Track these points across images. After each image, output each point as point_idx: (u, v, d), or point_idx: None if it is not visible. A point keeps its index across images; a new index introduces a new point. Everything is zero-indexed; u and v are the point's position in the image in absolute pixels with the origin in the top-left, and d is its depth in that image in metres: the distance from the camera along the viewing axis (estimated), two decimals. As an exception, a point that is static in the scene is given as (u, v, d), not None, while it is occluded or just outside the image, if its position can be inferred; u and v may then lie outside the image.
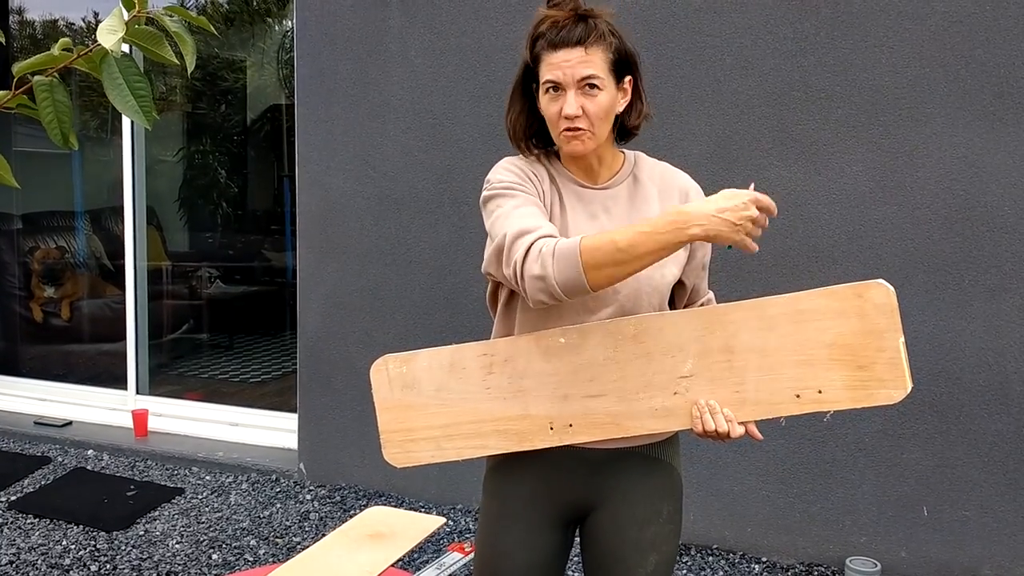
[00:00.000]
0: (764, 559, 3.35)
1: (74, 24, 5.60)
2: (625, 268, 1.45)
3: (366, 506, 3.81)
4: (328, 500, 3.90)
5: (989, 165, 3.02)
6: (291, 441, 4.30)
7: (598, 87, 1.56)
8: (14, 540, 3.48)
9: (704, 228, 1.40)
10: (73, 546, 3.43)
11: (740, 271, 3.24)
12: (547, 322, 1.63)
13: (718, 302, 1.80)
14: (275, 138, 5.65)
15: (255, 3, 5.41)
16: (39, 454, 4.48)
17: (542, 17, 1.59)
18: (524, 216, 1.55)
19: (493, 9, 3.59)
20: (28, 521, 3.67)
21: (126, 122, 4.78)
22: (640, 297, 1.63)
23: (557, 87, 1.57)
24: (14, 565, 3.26)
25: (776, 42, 3.21)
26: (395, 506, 3.80)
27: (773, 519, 3.35)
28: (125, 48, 1.27)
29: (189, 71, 1.31)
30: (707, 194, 1.74)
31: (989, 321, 3.05)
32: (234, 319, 5.94)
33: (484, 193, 1.66)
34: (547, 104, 1.60)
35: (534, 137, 1.71)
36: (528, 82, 1.66)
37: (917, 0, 3.04)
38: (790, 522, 3.33)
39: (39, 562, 3.29)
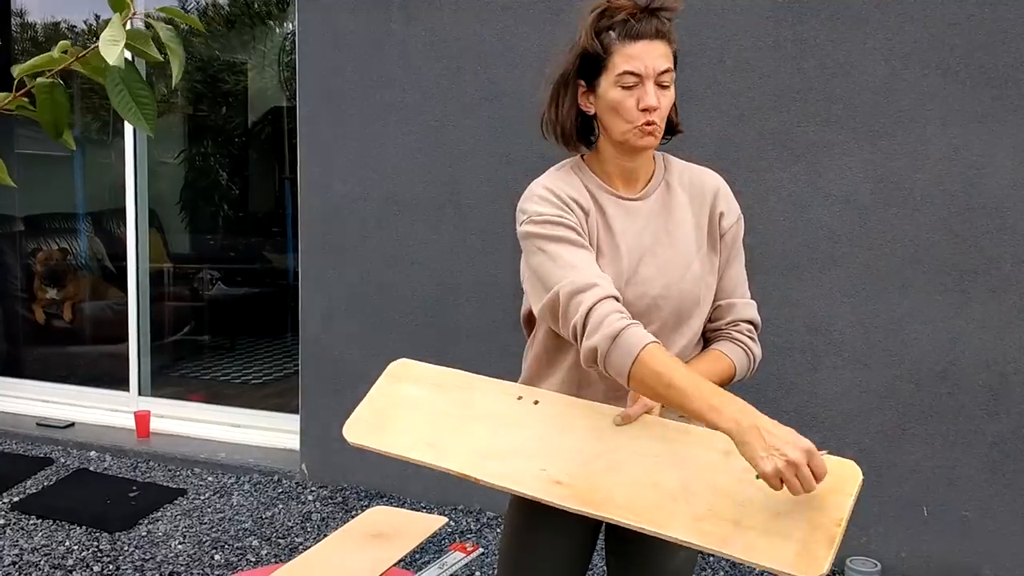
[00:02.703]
0: (765, 560, 3.35)
1: (76, 27, 5.61)
2: (661, 399, 1.45)
3: (368, 506, 3.82)
4: (330, 501, 3.91)
5: (989, 167, 3.02)
6: (293, 442, 4.30)
7: (669, 82, 1.56)
8: (17, 541, 3.49)
9: (739, 430, 1.32)
10: (76, 547, 3.44)
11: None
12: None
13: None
14: (276, 140, 5.66)
15: (256, 5, 5.42)
16: (42, 455, 4.49)
17: (608, 7, 1.55)
18: (574, 266, 1.53)
19: (494, 12, 3.60)
20: (31, 522, 3.68)
21: (128, 124, 4.79)
22: (681, 312, 1.63)
23: (635, 79, 1.53)
24: (17, 566, 3.27)
25: (776, 44, 3.22)
26: (397, 506, 3.80)
27: (773, 520, 3.35)
28: (128, 55, 1.28)
29: (175, 82, 1.31)
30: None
31: (989, 322, 3.06)
32: (236, 321, 5.95)
33: (524, 227, 1.60)
34: (620, 96, 1.55)
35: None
36: (580, 76, 1.62)
37: (917, 2, 3.05)
38: (790, 523, 3.33)
39: (42, 563, 3.30)
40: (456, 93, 3.70)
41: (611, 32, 1.53)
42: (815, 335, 3.25)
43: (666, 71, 1.54)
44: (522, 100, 3.46)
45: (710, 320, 1.71)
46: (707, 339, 1.74)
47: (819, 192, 3.20)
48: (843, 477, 1.34)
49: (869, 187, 3.15)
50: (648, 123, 1.54)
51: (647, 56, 1.52)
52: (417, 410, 1.67)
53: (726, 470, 1.41)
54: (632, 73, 1.52)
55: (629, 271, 1.61)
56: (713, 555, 1.25)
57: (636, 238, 1.62)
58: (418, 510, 3.76)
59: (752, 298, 1.74)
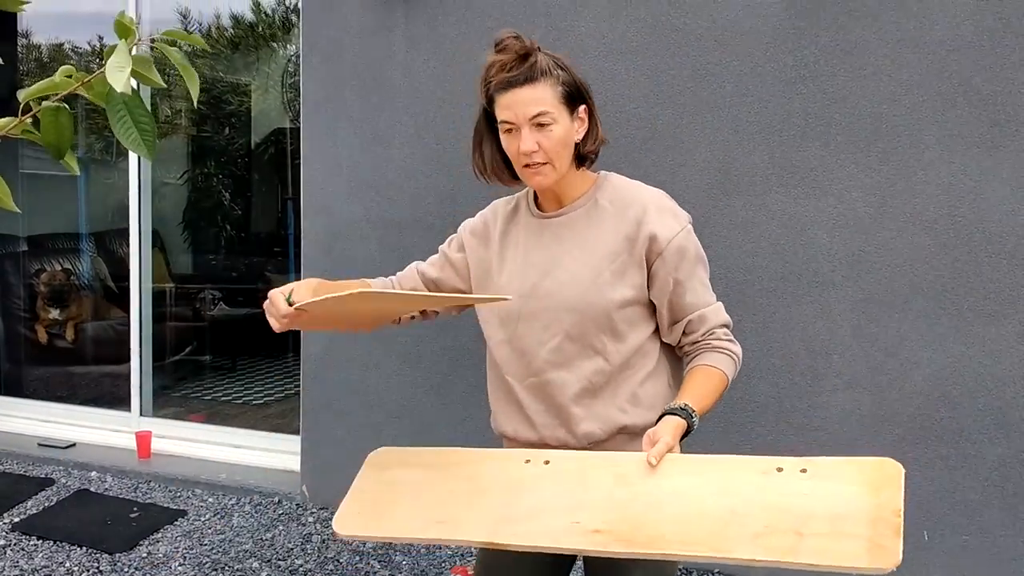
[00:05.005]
0: (765, 583, 3.34)
1: (80, 48, 5.65)
2: None
3: (368, 529, 3.81)
4: (330, 522, 3.90)
5: (986, 192, 3.04)
6: (293, 463, 4.30)
7: (550, 122, 1.64)
8: (17, 562, 3.49)
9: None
10: (76, 568, 3.43)
11: (742, 296, 3.26)
12: (502, 350, 1.80)
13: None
14: (279, 161, 5.69)
15: (260, 28, 5.47)
16: (43, 475, 4.49)
17: (490, 63, 1.69)
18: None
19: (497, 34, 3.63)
20: (31, 543, 3.68)
21: (132, 145, 4.82)
22: (585, 324, 1.69)
23: (512, 127, 1.66)
24: (17, 587, 3.27)
25: (776, 70, 3.24)
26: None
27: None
28: (133, 83, 1.29)
29: (195, 101, 1.34)
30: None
31: (988, 346, 3.06)
32: (237, 341, 5.96)
33: None
34: (507, 143, 1.69)
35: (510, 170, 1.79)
36: (492, 124, 1.75)
37: (915, 29, 3.08)
38: (791, 546, 3.32)
39: (42, 585, 3.30)
40: (459, 116, 3.72)
41: (491, 85, 1.68)
42: (815, 357, 3.25)
43: (539, 114, 1.64)
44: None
45: (685, 334, 1.74)
46: (687, 353, 1.77)
47: (819, 215, 3.22)
48: (887, 474, 1.39)
49: (869, 211, 3.16)
50: (527, 165, 1.67)
51: (516, 104, 1.64)
52: (417, 493, 1.63)
53: (771, 488, 1.41)
54: (507, 122, 1.67)
55: (530, 284, 1.74)
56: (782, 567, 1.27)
57: (539, 251, 1.76)
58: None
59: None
